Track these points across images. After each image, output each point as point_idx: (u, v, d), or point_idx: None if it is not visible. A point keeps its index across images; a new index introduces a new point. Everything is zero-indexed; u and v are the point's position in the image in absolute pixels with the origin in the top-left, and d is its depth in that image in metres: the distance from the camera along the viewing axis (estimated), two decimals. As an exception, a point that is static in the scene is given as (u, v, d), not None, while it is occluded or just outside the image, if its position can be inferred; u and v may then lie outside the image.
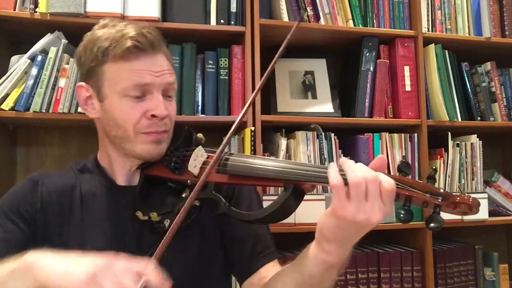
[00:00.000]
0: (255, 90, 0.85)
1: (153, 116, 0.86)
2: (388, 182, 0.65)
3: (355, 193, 0.64)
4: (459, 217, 1.69)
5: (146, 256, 0.83)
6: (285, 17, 1.63)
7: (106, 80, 0.87)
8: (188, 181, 0.86)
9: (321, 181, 0.72)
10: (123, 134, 0.87)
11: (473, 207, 0.66)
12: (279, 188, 0.81)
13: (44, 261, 0.69)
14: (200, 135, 0.95)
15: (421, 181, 0.70)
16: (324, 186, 1.49)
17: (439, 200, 0.67)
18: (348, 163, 0.67)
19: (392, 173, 0.79)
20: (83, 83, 0.91)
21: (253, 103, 1.56)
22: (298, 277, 0.77)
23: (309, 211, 1.54)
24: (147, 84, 0.85)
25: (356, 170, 0.65)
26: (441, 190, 0.68)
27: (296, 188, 0.75)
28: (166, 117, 0.87)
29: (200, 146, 0.88)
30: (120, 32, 0.86)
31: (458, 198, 0.66)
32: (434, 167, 0.75)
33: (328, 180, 0.67)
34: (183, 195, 0.86)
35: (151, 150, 0.88)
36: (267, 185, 0.79)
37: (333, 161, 1.62)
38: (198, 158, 0.86)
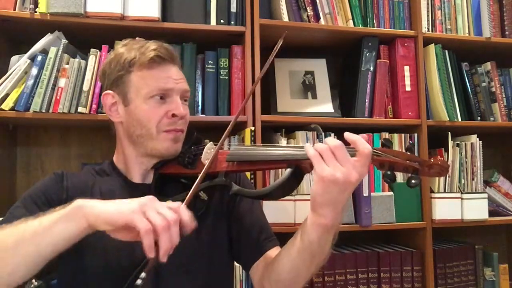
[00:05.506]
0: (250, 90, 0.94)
1: (173, 115, 0.98)
2: (364, 146, 0.78)
3: (326, 156, 0.78)
4: (459, 217, 1.70)
5: None
6: (285, 17, 1.63)
7: (132, 87, 0.99)
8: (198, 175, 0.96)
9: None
10: (147, 132, 0.98)
11: (443, 167, 0.80)
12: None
13: (93, 203, 0.77)
14: (207, 141, 1.05)
15: (401, 151, 0.83)
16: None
17: (417, 165, 0.81)
18: (318, 143, 0.84)
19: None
20: (109, 91, 1.02)
21: (253, 103, 1.56)
22: (299, 245, 0.87)
23: (308, 211, 1.55)
24: (169, 89, 0.99)
25: (322, 143, 0.81)
26: (418, 157, 0.82)
27: (297, 167, 0.87)
28: (184, 117, 1.01)
29: (211, 142, 0.99)
30: (143, 46, 1.00)
31: (432, 161, 0.80)
32: (411, 141, 0.95)
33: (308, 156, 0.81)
34: None
35: (170, 147, 0.99)
36: (272, 167, 1.00)
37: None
38: (209, 151, 0.98)
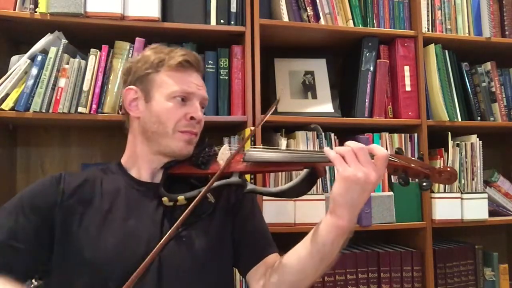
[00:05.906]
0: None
1: (191, 118, 1.02)
2: (382, 150, 0.85)
3: (349, 158, 0.84)
4: (459, 217, 1.70)
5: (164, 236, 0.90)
6: (285, 17, 1.63)
7: (156, 85, 1.03)
8: (209, 176, 0.98)
9: (327, 160, 0.88)
10: (163, 130, 1.01)
11: (452, 173, 0.88)
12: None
13: None
14: (217, 148, 1.08)
15: (413, 159, 0.91)
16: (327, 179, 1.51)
17: (428, 171, 0.88)
18: (339, 146, 0.89)
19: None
20: (133, 86, 1.05)
21: (253, 103, 1.56)
22: (311, 247, 0.90)
23: (309, 211, 1.55)
24: (191, 93, 1.04)
25: (344, 146, 0.86)
26: (429, 165, 0.90)
27: (313, 169, 0.92)
28: (200, 121, 1.05)
29: (227, 144, 1.03)
30: (172, 51, 1.05)
31: (441, 168, 0.89)
32: (421, 152, 1.03)
33: (329, 158, 0.86)
34: None
35: (183, 148, 1.03)
36: (289, 168, 1.04)
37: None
38: (225, 153, 1.02)
